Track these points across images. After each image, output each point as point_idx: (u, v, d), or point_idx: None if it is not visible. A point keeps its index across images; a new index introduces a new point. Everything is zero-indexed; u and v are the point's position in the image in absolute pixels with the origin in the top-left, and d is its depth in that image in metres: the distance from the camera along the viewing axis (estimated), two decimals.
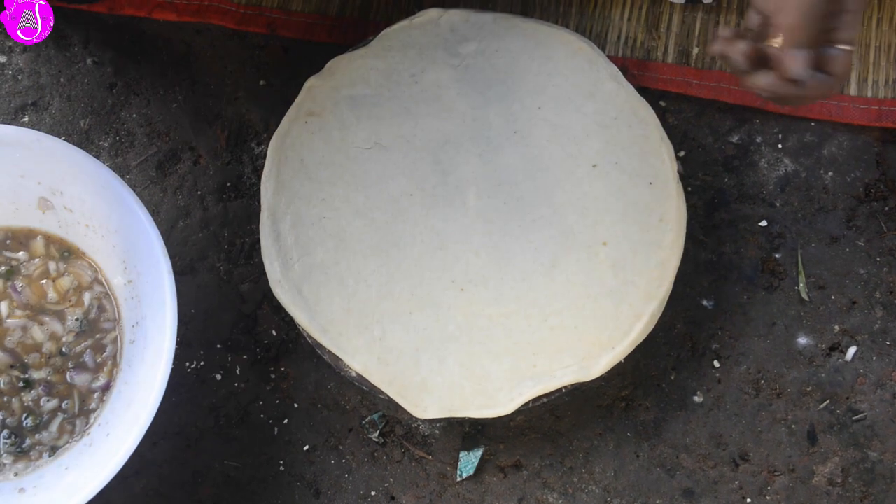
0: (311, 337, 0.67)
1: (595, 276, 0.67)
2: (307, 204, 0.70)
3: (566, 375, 0.66)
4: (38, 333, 0.68)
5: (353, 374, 0.67)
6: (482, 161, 0.70)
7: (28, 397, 0.67)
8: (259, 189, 0.71)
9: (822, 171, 0.74)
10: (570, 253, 0.68)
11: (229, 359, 0.71)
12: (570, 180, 0.70)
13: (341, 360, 0.67)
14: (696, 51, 0.76)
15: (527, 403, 0.66)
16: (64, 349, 0.68)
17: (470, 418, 0.66)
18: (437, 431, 0.70)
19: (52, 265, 0.70)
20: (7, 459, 0.66)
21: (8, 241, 0.71)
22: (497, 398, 0.66)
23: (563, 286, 0.67)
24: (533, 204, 0.69)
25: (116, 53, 0.78)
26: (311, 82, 0.73)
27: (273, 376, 0.71)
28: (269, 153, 0.71)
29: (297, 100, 0.72)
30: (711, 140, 0.75)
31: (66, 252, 0.70)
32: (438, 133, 0.71)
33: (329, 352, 0.67)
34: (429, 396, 0.66)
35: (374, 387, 0.66)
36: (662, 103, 0.76)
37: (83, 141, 0.76)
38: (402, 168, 0.70)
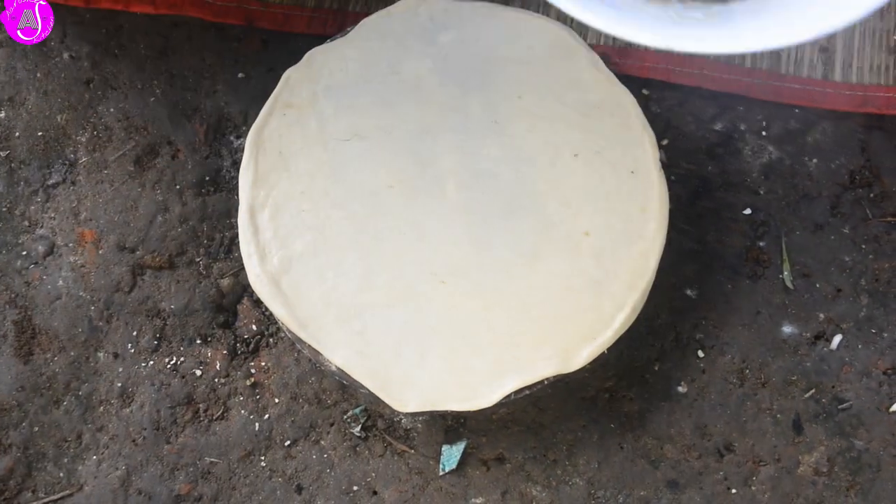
0: (290, 331, 0.67)
1: (577, 267, 0.67)
2: (285, 197, 0.69)
3: (548, 367, 0.65)
4: None
5: (334, 368, 0.66)
6: (462, 152, 0.70)
7: None
8: (238, 183, 0.70)
9: (806, 159, 0.73)
10: (551, 243, 0.67)
11: (209, 354, 0.71)
12: (551, 170, 0.69)
13: (321, 354, 0.66)
14: None
15: (509, 396, 0.65)
16: None
17: (452, 412, 0.65)
18: (419, 425, 0.69)
19: None
20: None
21: None
22: (479, 391, 0.65)
23: (545, 277, 0.67)
24: (513, 194, 0.69)
25: (93, 47, 0.78)
26: (288, 74, 0.72)
27: (253, 371, 0.71)
28: (246, 146, 0.70)
29: (275, 92, 0.71)
30: (695, 128, 0.75)
31: None
32: (417, 123, 0.70)
33: (309, 346, 0.66)
34: (410, 390, 0.65)
35: (355, 381, 0.65)
36: (645, 91, 0.76)
37: (60, 136, 0.75)
38: (381, 159, 0.70)
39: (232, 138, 0.76)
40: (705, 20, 0.60)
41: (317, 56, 0.72)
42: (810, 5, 0.57)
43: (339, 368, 0.66)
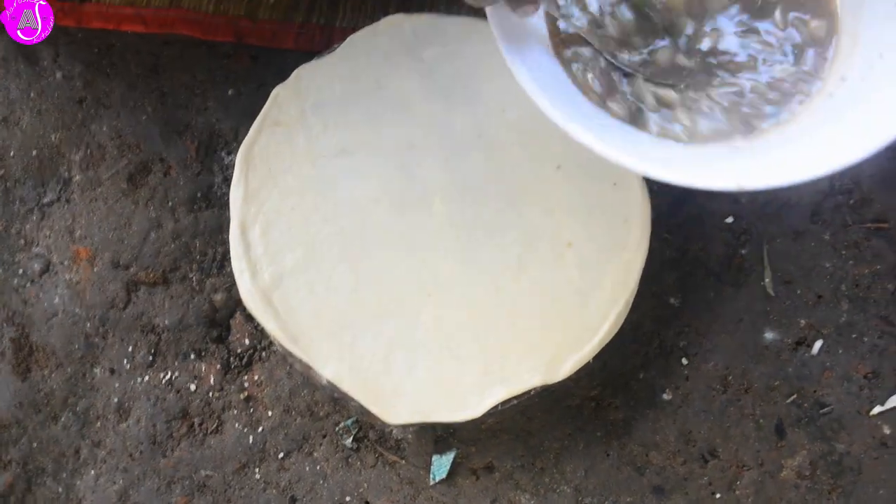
0: (282, 345, 0.68)
1: (561, 278, 0.68)
2: (276, 213, 0.70)
3: (534, 378, 0.66)
4: None
5: (325, 381, 0.67)
6: (448, 166, 0.71)
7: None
8: (229, 198, 0.71)
9: None
10: (535, 255, 0.69)
11: (203, 368, 0.72)
12: (535, 182, 0.70)
13: (312, 368, 0.67)
14: None
15: (496, 406, 0.66)
16: None
17: (441, 422, 0.67)
18: (409, 435, 0.71)
19: None
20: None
21: None
22: (467, 402, 0.66)
23: (530, 288, 0.68)
24: (498, 207, 0.70)
25: (85, 67, 0.79)
26: (277, 91, 0.73)
27: (247, 384, 0.72)
28: (237, 163, 0.71)
29: (264, 109, 0.72)
30: None
31: None
32: (404, 138, 0.72)
33: (300, 360, 0.68)
34: (399, 402, 0.67)
35: (345, 394, 0.67)
36: None
37: (54, 155, 0.77)
38: (369, 175, 0.71)
39: (223, 154, 0.77)
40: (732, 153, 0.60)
41: (304, 73, 0.73)
42: (824, 142, 0.57)
43: (329, 382, 0.67)
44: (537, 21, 0.63)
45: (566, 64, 0.62)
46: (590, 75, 0.62)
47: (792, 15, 0.63)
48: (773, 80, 0.61)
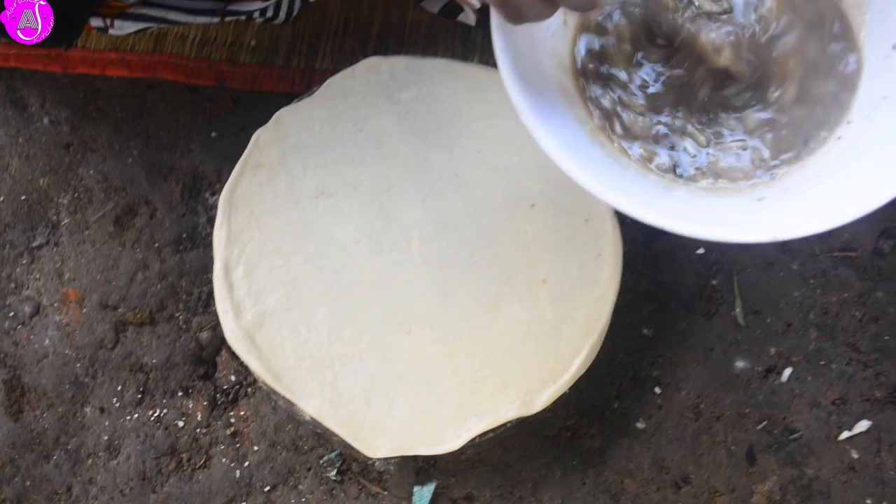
0: (265, 383, 0.70)
1: (536, 313, 0.70)
2: (258, 254, 0.72)
3: (510, 411, 0.68)
4: None
5: (308, 417, 0.70)
6: (425, 205, 0.73)
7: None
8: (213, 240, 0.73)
9: None
10: (511, 291, 0.71)
11: (190, 405, 0.74)
12: (510, 220, 0.72)
13: (295, 404, 0.69)
14: None
15: (474, 439, 0.68)
16: None
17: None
18: (391, 467, 0.73)
19: None
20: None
21: None
22: (445, 436, 0.68)
23: (506, 324, 0.70)
24: (475, 245, 0.72)
25: (72, 112, 0.81)
26: (258, 134, 0.75)
27: (233, 420, 0.74)
28: (219, 206, 0.73)
29: (245, 152, 0.75)
30: None
31: None
32: (382, 179, 0.74)
33: (284, 397, 0.70)
34: (380, 437, 0.69)
35: (328, 429, 0.69)
36: None
37: (43, 199, 0.79)
38: (349, 215, 0.73)
39: (207, 195, 0.79)
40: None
41: (285, 116, 0.76)
42: (825, 198, 0.57)
43: (312, 418, 0.69)
44: (555, 46, 0.63)
45: (581, 92, 0.63)
46: (607, 99, 0.62)
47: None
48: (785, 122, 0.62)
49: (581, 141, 0.60)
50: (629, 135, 0.61)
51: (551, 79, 0.62)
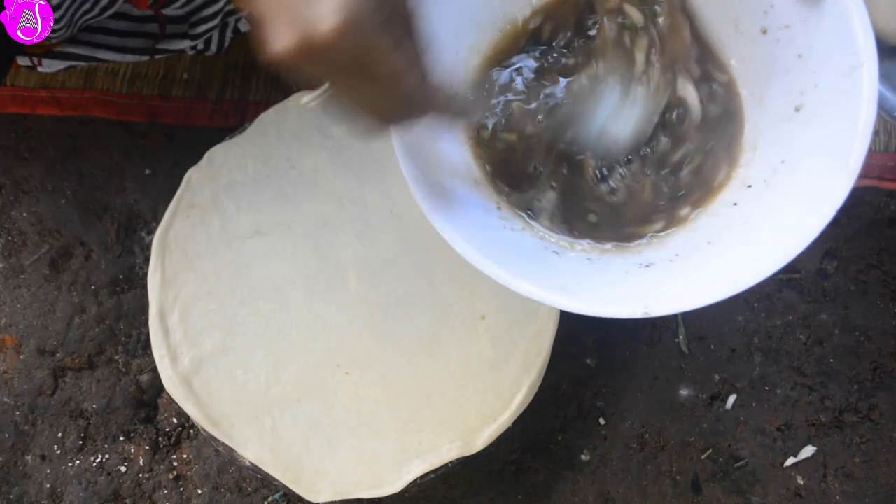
0: (204, 430, 0.70)
1: (475, 351, 0.69)
2: (193, 297, 0.71)
3: (451, 451, 0.68)
4: None
5: (248, 463, 0.69)
6: (361, 243, 0.72)
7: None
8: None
9: None
10: (449, 330, 0.70)
11: (132, 450, 0.74)
12: (447, 257, 0.71)
13: (235, 451, 0.69)
14: None
15: (415, 480, 0.68)
16: None
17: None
18: None
19: None
20: None
21: None
22: (386, 478, 0.68)
23: (444, 362, 0.70)
24: (412, 283, 0.71)
25: (3, 152, 0.80)
26: (190, 174, 0.74)
27: (176, 463, 0.74)
28: (153, 249, 0.72)
29: (178, 193, 0.73)
30: None
31: None
32: (317, 217, 0.73)
33: (223, 443, 0.69)
34: (321, 481, 0.68)
35: (268, 474, 0.68)
36: None
37: None
38: (284, 255, 0.72)
39: (143, 234, 0.78)
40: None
41: (217, 154, 0.74)
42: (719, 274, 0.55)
43: (252, 463, 0.69)
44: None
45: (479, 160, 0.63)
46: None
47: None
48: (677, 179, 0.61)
49: (484, 218, 0.60)
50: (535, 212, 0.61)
51: (459, 166, 0.62)
